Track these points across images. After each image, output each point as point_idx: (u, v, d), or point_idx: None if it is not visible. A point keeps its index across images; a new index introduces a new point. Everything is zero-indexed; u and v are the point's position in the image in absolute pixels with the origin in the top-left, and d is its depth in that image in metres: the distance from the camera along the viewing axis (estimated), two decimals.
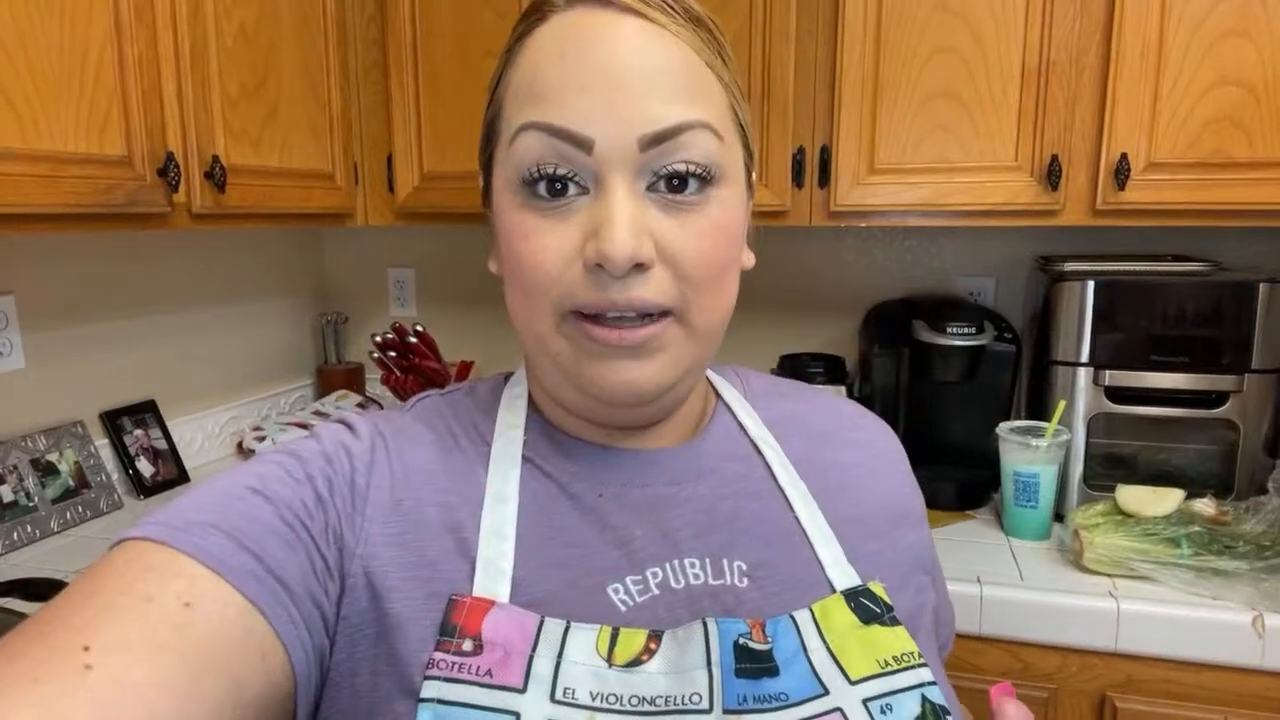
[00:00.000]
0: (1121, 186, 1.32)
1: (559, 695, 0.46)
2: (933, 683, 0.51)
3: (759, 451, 0.62)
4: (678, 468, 0.59)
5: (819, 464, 0.62)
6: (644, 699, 0.47)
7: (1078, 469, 1.38)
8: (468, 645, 0.47)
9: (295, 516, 0.48)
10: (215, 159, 1.29)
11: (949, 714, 0.51)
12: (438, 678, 0.46)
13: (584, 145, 0.48)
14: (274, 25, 1.44)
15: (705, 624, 0.49)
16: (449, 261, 2.07)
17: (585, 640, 0.49)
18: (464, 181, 1.60)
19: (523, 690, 0.46)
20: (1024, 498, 1.32)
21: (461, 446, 0.57)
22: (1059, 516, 1.37)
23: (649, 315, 0.50)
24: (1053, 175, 1.35)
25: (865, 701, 0.49)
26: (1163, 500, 1.23)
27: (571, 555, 0.53)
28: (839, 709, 0.48)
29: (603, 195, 0.49)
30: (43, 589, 0.98)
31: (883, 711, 0.49)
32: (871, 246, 1.80)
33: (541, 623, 0.49)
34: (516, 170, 0.50)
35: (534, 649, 0.48)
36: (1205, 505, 1.21)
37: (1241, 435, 1.32)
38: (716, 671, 0.47)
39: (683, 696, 0.47)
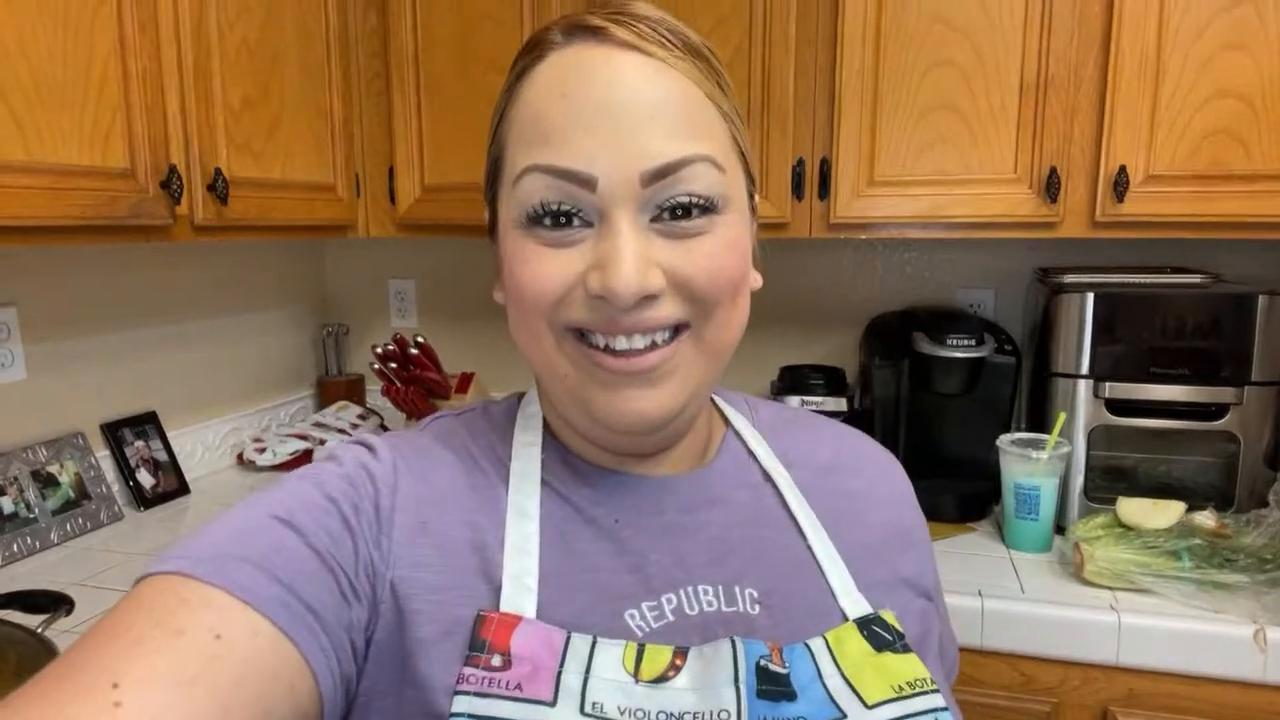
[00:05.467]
0: (1120, 199, 1.32)
1: (588, 709, 0.47)
2: (945, 709, 0.51)
3: (769, 480, 0.62)
4: (690, 495, 0.59)
5: (827, 492, 0.63)
6: (671, 714, 0.47)
7: (1078, 481, 1.38)
8: (497, 660, 0.48)
9: (323, 545, 0.48)
10: (218, 171, 1.30)
11: None
12: (468, 692, 0.47)
13: (587, 184, 0.49)
14: (277, 37, 1.45)
15: (734, 642, 0.50)
16: (450, 273, 2.08)
17: (612, 656, 0.49)
18: (465, 193, 1.61)
19: (552, 704, 0.47)
20: (1025, 510, 1.32)
21: (481, 467, 0.58)
22: (1060, 529, 1.37)
23: (656, 344, 0.51)
24: (1052, 187, 1.35)
25: None
26: (1163, 513, 1.23)
27: (590, 580, 0.54)
28: None
29: (607, 231, 0.49)
30: (43, 601, 0.98)
31: None
32: (871, 258, 1.81)
33: (569, 638, 0.50)
34: (521, 209, 0.51)
35: (562, 664, 0.48)
36: (1206, 518, 1.21)
37: (1242, 448, 1.32)
38: (743, 690, 0.48)
39: (710, 713, 0.47)
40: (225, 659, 0.41)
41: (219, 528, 0.48)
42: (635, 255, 0.49)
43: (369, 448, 0.57)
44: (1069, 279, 1.43)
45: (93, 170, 1.11)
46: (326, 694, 0.46)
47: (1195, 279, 1.40)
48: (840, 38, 1.41)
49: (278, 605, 0.44)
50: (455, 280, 2.08)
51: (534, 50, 0.53)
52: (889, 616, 0.56)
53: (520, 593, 0.51)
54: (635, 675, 0.49)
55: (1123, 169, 1.31)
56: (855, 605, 0.57)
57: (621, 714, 0.47)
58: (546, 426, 0.61)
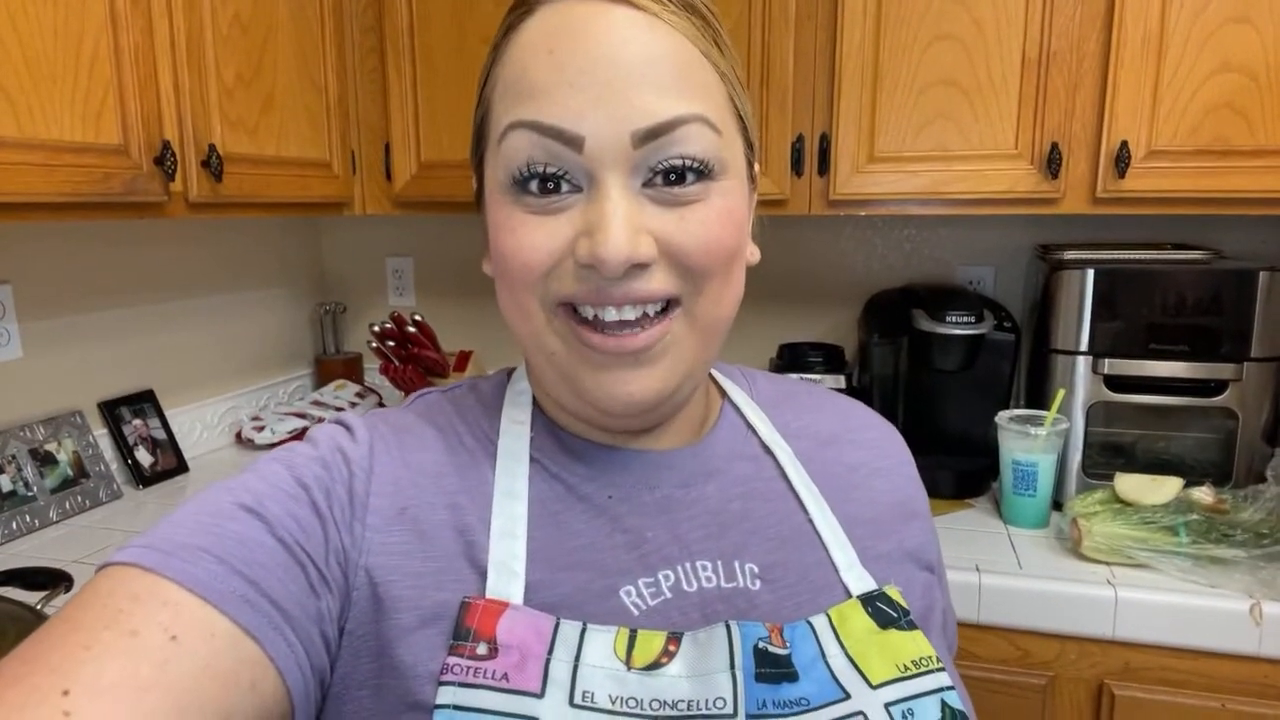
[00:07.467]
0: (1122, 174, 1.31)
1: (578, 699, 0.45)
2: (951, 687, 0.51)
3: (769, 452, 0.61)
4: (686, 469, 0.58)
5: (827, 465, 0.62)
6: (665, 703, 0.46)
7: (1076, 457, 1.38)
8: (482, 649, 0.46)
9: (290, 534, 0.46)
10: (212, 148, 1.29)
11: (967, 719, 0.51)
12: (452, 683, 0.45)
13: (574, 143, 0.47)
14: (270, 12, 1.43)
15: (729, 626, 0.49)
16: (447, 251, 2.07)
17: (603, 642, 0.48)
18: (462, 170, 1.60)
19: (540, 695, 0.45)
20: (1023, 486, 1.32)
21: (467, 445, 0.56)
22: (1057, 505, 1.37)
23: (648, 316, 0.49)
24: (1053, 163, 1.34)
25: (887, 705, 0.48)
26: (1161, 488, 1.23)
27: (583, 558, 0.52)
28: (861, 712, 0.48)
29: (596, 195, 0.47)
30: (42, 578, 0.98)
31: (904, 716, 0.49)
32: (871, 235, 1.80)
33: (557, 625, 0.48)
34: (506, 170, 0.49)
35: (550, 652, 0.47)
36: (1203, 493, 1.21)
37: (1240, 424, 1.32)
38: (740, 675, 0.47)
39: (706, 701, 0.46)
40: (181, 662, 0.39)
41: (183, 514, 0.46)
42: (625, 221, 0.46)
43: (347, 428, 0.55)
44: (1069, 255, 1.42)
45: (86, 146, 1.10)
46: (295, 689, 0.44)
47: (1196, 255, 1.39)
48: (840, 11, 1.39)
49: (238, 601, 0.42)
50: (453, 258, 2.07)
51: (522, 5, 0.50)
52: (894, 592, 0.55)
53: (506, 579, 0.49)
54: (627, 662, 0.47)
55: (1124, 144, 1.30)
56: (859, 581, 0.56)
57: (613, 703, 0.46)
58: (536, 403, 0.59)
